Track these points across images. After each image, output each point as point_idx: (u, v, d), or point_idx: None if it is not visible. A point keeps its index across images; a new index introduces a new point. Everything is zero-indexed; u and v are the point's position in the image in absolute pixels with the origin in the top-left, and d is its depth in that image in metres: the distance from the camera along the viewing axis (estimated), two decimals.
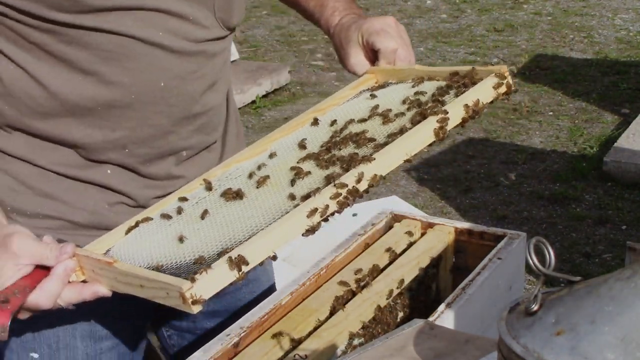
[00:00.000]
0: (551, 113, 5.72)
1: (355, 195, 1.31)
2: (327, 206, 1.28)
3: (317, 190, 1.30)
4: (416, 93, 1.54)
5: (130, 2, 1.41)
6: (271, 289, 1.83)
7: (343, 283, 1.58)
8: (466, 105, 1.44)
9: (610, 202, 4.52)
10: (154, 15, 1.45)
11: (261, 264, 1.25)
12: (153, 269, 1.27)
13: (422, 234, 1.78)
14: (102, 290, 1.31)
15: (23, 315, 1.32)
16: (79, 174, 1.53)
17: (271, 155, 1.49)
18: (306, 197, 1.30)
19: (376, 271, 1.64)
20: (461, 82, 1.52)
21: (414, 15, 8.10)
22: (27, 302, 1.28)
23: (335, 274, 1.64)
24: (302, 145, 1.48)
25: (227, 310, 1.76)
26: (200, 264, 1.23)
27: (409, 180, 4.87)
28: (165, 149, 1.56)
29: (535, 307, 0.88)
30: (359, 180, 1.31)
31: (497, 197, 4.67)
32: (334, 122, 1.53)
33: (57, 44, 1.42)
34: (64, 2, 1.37)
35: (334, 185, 1.30)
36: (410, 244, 1.74)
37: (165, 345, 1.87)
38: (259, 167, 1.46)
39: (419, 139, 1.40)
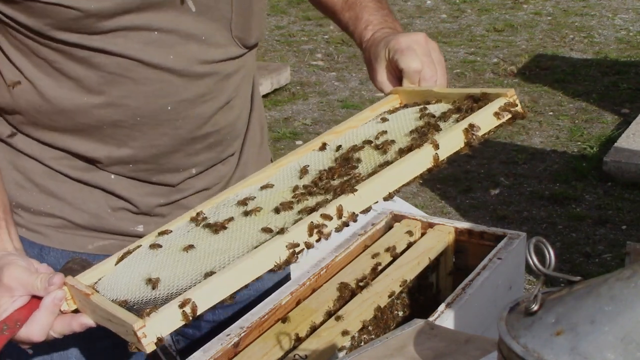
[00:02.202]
0: (551, 113, 5.72)
1: (326, 235, 1.28)
2: (292, 244, 1.26)
3: (283, 230, 1.27)
4: (421, 117, 1.47)
5: (138, 22, 1.40)
6: (280, 283, 1.79)
7: (342, 284, 1.58)
8: (464, 130, 1.37)
9: (610, 202, 4.52)
10: (165, 37, 1.43)
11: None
12: (121, 303, 1.26)
13: (422, 234, 1.78)
14: (89, 321, 1.30)
15: (22, 345, 1.32)
16: (84, 177, 1.54)
17: (263, 187, 1.45)
18: (277, 232, 1.28)
19: (376, 271, 1.64)
20: (469, 106, 1.44)
21: (414, 15, 8.10)
22: (19, 336, 1.29)
23: (335, 274, 1.64)
24: (304, 172, 1.45)
25: (231, 318, 1.75)
26: (166, 302, 1.21)
27: None
28: (171, 166, 1.56)
29: (535, 307, 0.88)
30: (339, 215, 1.28)
31: (497, 197, 4.67)
32: (339, 148, 1.48)
33: (65, 61, 1.42)
34: (72, 23, 1.37)
35: (308, 224, 1.27)
36: (410, 244, 1.74)
37: (174, 348, 1.88)
38: (253, 198, 1.42)
39: (405, 170, 1.34)
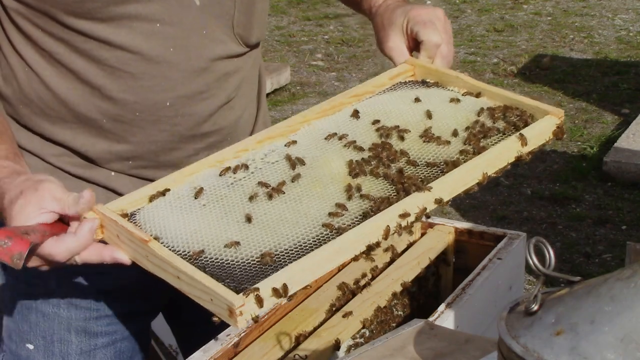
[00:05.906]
0: None
1: (406, 229, 1.28)
2: (387, 229, 1.24)
3: (368, 215, 1.24)
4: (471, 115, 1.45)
5: (143, 11, 1.42)
6: None
7: (343, 284, 1.58)
8: (521, 153, 1.37)
9: (610, 202, 4.52)
10: (168, 29, 1.45)
11: None
12: (192, 258, 1.18)
13: (422, 234, 1.78)
14: (124, 257, 1.26)
15: (34, 263, 1.27)
16: (84, 174, 1.55)
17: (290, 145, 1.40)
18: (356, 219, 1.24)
19: (376, 271, 1.64)
20: (514, 114, 1.43)
21: None
22: (42, 249, 1.24)
23: (335, 274, 1.64)
24: (346, 141, 1.40)
25: None
26: (245, 271, 1.15)
27: None
28: (171, 164, 1.56)
29: (535, 307, 0.88)
30: (417, 215, 1.30)
31: (497, 197, 4.67)
32: (376, 122, 1.44)
33: (67, 53, 1.45)
34: (76, 7, 1.39)
35: (399, 215, 1.27)
36: (410, 244, 1.74)
37: (174, 348, 1.88)
38: (297, 159, 1.36)
39: (467, 177, 1.40)
